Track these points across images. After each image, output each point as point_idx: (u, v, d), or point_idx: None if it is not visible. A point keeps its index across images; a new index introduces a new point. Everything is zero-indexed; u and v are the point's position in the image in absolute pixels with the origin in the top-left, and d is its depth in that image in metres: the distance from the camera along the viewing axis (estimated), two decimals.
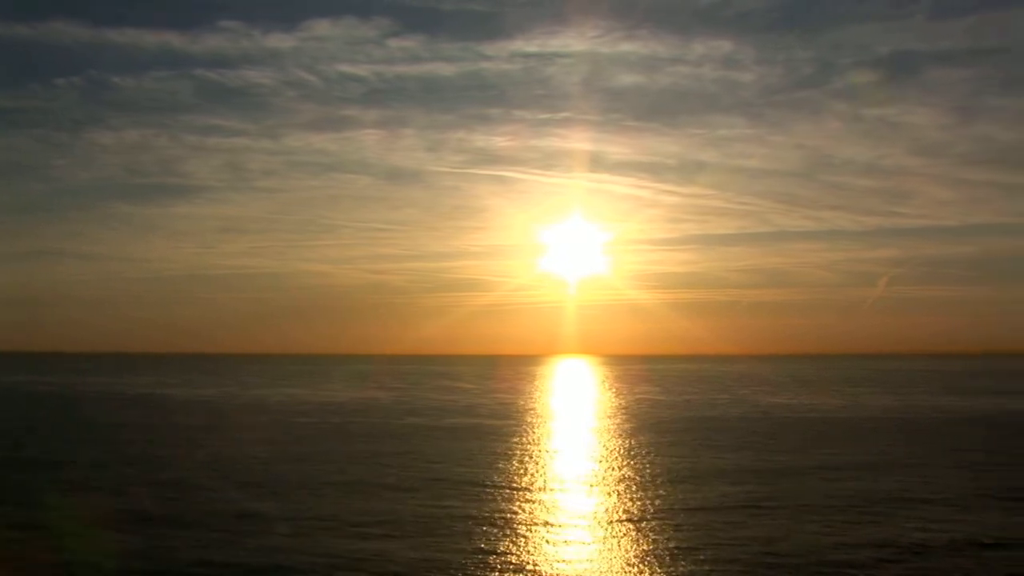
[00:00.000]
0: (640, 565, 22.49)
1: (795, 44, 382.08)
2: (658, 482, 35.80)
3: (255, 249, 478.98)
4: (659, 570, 22.12)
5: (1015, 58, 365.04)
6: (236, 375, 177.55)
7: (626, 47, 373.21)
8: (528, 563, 22.76)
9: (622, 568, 22.37)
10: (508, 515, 28.72)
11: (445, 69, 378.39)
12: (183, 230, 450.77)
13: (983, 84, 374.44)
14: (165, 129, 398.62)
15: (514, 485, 35.02)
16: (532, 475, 37.76)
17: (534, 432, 58.09)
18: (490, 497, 32.13)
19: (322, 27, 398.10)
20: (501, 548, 24.19)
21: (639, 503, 31.08)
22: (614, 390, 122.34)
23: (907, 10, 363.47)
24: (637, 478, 36.85)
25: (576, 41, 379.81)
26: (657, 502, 31.31)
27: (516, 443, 50.57)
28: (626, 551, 23.98)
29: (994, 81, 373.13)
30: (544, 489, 34.24)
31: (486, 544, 24.59)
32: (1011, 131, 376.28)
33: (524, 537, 25.51)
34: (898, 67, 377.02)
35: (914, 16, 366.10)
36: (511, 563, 22.70)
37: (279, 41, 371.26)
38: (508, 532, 26.10)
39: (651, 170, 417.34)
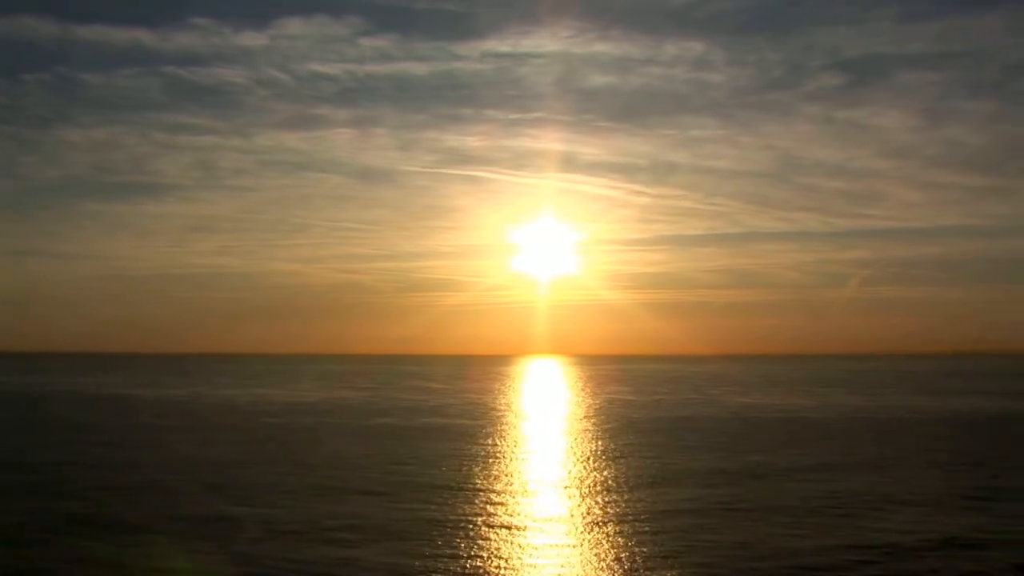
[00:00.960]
0: (614, 570, 22.28)
1: (766, 46, 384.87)
2: (630, 484, 35.65)
3: (226, 248, 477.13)
4: None
5: (982, 62, 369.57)
6: (207, 375, 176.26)
7: (598, 48, 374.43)
8: (500, 569, 22.51)
9: (594, 574, 22.17)
10: (479, 519, 28.38)
11: (417, 68, 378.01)
12: (153, 229, 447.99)
13: (951, 88, 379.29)
14: (135, 127, 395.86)
15: (485, 488, 34.70)
16: (503, 478, 37.49)
17: (504, 433, 57.90)
18: (461, 500, 31.77)
19: (294, 25, 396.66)
20: (473, 553, 23.88)
21: (611, 506, 30.83)
22: (585, 390, 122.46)
23: (877, 14, 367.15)
24: (609, 480, 36.65)
25: (549, 41, 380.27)
26: (630, 505, 31.10)
27: (487, 444, 50.29)
28: (599, 556, 23.74)
29: (962, 85, 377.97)
30: (515, 492, 33.95)
31: (458, 549, 24.27)
32: (978, 134, 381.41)
33: (496, 542, 25.22)
34: (868, 70, 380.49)
35: (884, 20, 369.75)
36: (483, 569, 22.43)
37: (250, 39, 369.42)
38: (479, 537, 25.78)
39: (623, 171, 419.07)
